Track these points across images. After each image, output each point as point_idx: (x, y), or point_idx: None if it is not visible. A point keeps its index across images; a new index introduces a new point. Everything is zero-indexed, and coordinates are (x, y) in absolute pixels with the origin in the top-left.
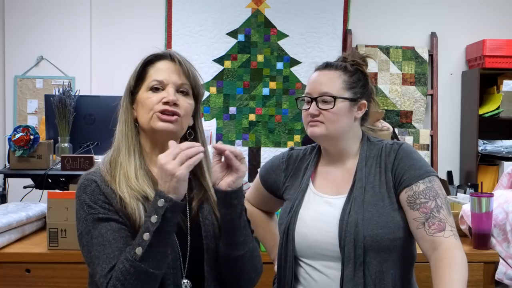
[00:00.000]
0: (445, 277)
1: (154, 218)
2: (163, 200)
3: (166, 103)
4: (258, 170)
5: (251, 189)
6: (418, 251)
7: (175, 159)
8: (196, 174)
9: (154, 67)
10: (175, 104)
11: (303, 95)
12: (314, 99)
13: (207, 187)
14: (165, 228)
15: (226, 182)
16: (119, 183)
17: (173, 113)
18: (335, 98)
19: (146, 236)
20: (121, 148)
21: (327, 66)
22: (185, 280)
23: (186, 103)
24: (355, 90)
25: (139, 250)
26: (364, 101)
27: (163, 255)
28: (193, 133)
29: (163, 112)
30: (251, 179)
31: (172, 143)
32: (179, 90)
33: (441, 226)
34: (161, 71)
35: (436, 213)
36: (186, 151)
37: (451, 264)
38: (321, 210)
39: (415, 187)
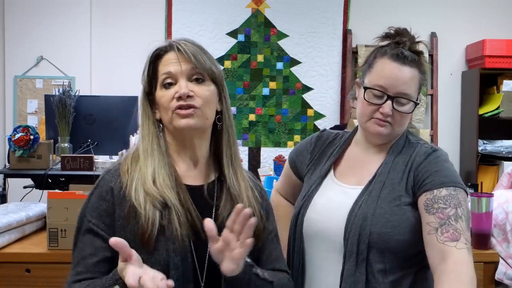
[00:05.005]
0: None
1: None
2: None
3: (179, 98)
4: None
5: (281, 176)
6: None
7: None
8: (225, 177)
9: (162, 61)
10: (189, 96)
11: (375, 88)
12: (391, 98)
13: (237, 196)
14: None
15: (227, 267)
16: (136, 187)
17: (189, 106)
18: (415, 103)
19: None
20: (140, 150)
21: (405, 59)
22: None
23: (203, 91)
24: (419, 91)
25: None
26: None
27: None
28: (222, 118)
29: (179, 108)
30: None
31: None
32: (192, 79)
33: (455, 236)
34: (168, 63)
35: (453, 221)
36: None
37: (458, 281)
38: (335, 199)
39: (436, 192)
